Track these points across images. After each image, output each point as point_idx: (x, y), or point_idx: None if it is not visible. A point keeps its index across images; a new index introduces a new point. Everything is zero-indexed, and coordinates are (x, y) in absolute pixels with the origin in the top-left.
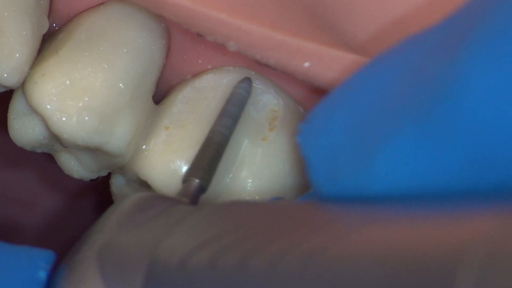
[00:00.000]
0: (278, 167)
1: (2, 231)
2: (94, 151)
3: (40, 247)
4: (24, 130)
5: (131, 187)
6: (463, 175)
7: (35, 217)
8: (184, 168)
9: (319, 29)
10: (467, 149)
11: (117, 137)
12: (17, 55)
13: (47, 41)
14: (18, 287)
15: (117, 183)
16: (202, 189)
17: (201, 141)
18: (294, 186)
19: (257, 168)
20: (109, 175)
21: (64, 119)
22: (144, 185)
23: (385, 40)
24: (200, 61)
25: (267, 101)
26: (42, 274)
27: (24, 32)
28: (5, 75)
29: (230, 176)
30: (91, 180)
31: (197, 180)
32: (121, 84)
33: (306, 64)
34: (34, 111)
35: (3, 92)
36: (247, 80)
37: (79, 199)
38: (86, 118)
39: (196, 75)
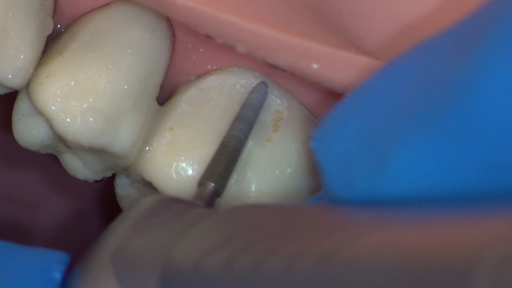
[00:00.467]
0: (282, 169)
1: (6, 232)
2: (98, 152)
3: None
4: (28, 131)
5: (135, 188)
6: (478, 177)
7: (39, 218)
8: (189, 169)
9: (328, 31)
10: (483, 152)
11: (122, 138)
12: (22, 56)
13: (52, 42)
14: None
15: (121, 184)
16: (217, 193)
17: (205, 141)
18: (299, 187)
19: (261, 169)
20: (113, 176)
21: (68, 120)
22: (149, 186)
23: (393, 40)
24: (204, 62)
25: (272, 102)
26: (57, 275)
27: (28, 33)
28: (10, 76)
29: (235, 177)
30: (96, 181)
31: (212, 184)
32: (125, 85)
33: (315, 66)
34: (38, 112)
35: (7, 93)
36: (263, 85)
37: (83, 200)
38: (91, 119)
39: (200, 76)
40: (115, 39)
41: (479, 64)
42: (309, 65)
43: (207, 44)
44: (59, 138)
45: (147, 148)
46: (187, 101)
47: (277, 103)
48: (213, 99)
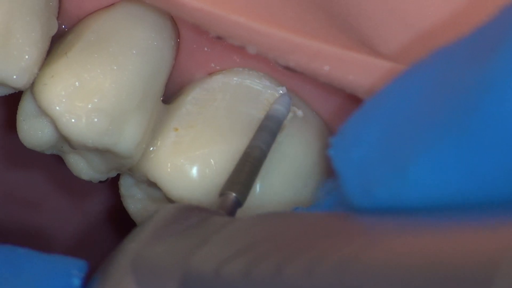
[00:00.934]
0: (288, 171)
1: (10, 232)
2: (103, 152)
3: (51, 250)
4: (33, 131)
5: (140, 188)
6: (498, 183)
7: (42, 218)
8: (193, 169)
9: (340, 32)
10: (503, 158)
11: (126, 138)
12: (26, 56)
13: (56, 43)
14: None
15: (126, 184)
16: (238, 203)
17: (210, 142)
18: (305, 189)
19: (266, 171)
20: (118, 176)
21: (73, 120)
22: (153, 186)
23: (405, 42)
24: (209, 62)
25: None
26: (76, 282)
27: (33, 34)
28: (15, 77)
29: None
30: (100, 181)
31: (234, 194)
32: (130, 86)
33: (326, 67)
34: (43, 112)
35: (12, 93)
36: (286, 96)
37: (88, 201)
38: (95, 119)
39: (205, 76)
40: (119, 40)
41: (496, 70)
42: (320, 66)
43: (212, 44)
44: (64, 139)
45: (152, 148)
46: (191, 102)
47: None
48: (218, 99)
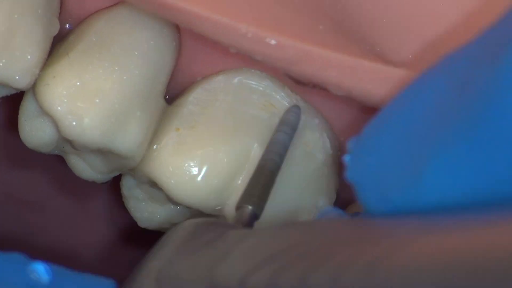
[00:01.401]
0: (291, 173)
1: (11, 232)
2: (104, 153)
3: (52, 250)
4: (35, 132)
5: (141, 189)
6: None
7: (44, 219)
8: (195, 170)
9: (350, 41)
10: None
11: (128, 139)
12: (28, 56)
13: (58, 43)
14: None
15: (127, 185)
16: (255, 215)
17: (211, 142)
18: (307, 193)
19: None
20: (119, 177)
21: (74, 121)
22: (155, 186)
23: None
24: (211, 63)
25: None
26: None
27: (35, 34)
28: (16, 77)
29: (241, 178)
30: (102, 182)
31: (250, 207)
32: (131, 86)
33: (338, 77)
34: (45, 113)
35: (14, 94)
36: (296, 108)
37: (89, 201)
38: (97, 120)
39: (207, 76)
40: (121, 40)
41: (506, 70)
42: (332, 75)
43: (214, 44)
44: (65, 139)
45: (154, 148)
46: (193, 102)
47: (285, 105)
48: (219, 99)
